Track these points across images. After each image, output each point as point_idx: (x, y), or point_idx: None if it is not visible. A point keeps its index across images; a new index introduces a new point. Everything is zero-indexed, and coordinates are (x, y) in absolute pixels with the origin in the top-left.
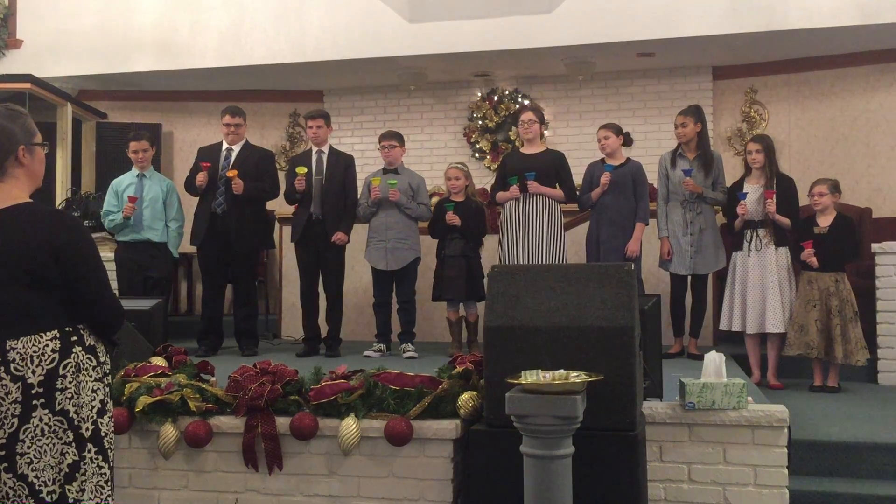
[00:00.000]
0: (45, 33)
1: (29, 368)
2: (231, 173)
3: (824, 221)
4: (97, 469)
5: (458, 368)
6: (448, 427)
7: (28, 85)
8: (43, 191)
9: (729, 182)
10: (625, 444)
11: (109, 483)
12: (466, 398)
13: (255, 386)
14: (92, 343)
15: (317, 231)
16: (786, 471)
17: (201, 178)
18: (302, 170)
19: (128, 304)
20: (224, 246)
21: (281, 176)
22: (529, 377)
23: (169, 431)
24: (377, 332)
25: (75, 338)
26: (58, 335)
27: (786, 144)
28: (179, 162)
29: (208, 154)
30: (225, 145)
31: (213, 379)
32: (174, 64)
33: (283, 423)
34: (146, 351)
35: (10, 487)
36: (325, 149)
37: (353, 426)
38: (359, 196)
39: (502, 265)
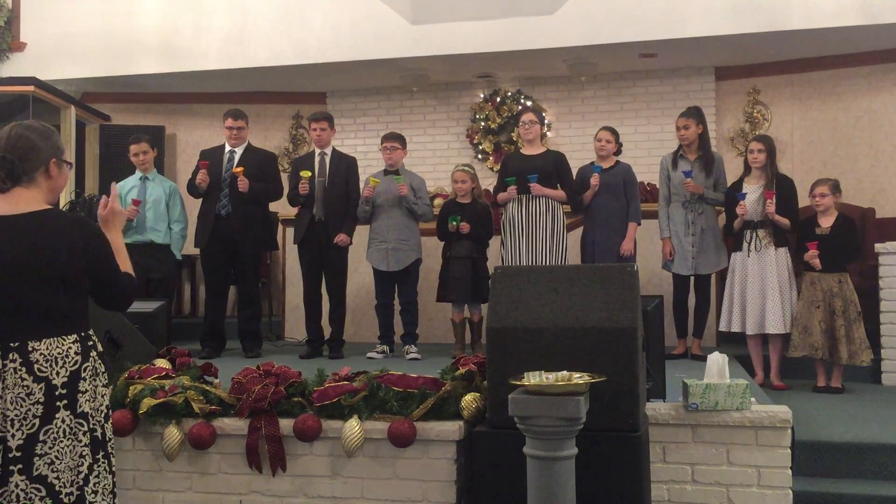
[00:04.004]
0: (48, 36)
1: (53, 370)
2: (238, 170)
3: (826, 222)
4: (104, 472)
5: (461, 370)
6: (451, 428)
7: (31, 88)
8: None
9: (730, 182)
10: (628, 445)
11: (111, 488)
12: (469, 399)
13: (258, 388)
14: (101, 349)
15: (319, 233)
16: (789, 472)
17: (202, 176)
18: (306, 174)
19: (131, 306)
20: (228, 248)
21: (283, 177)
22: (532, 378)
23: (173, 433)
24: (380, 334)
25: (91, 342)
26: (78, 339)
27: (789, 145)
28: (183, 164)
29: (210, 156)
30: (227, 148)
31: (217, 381)
32: (177, 66)
33: (286, 424)
34: (149, 353)
35: (21, 490)
36: (328, 151)
37: (357, 428)
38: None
39: (505, 266)
